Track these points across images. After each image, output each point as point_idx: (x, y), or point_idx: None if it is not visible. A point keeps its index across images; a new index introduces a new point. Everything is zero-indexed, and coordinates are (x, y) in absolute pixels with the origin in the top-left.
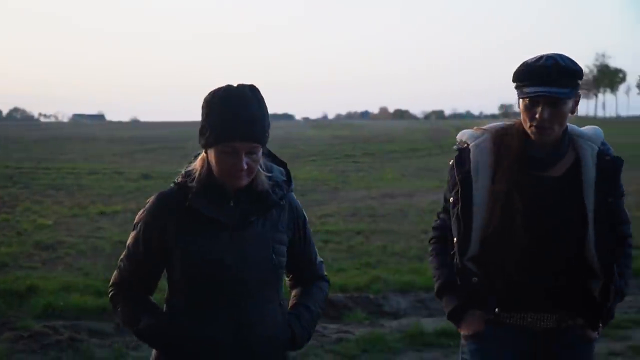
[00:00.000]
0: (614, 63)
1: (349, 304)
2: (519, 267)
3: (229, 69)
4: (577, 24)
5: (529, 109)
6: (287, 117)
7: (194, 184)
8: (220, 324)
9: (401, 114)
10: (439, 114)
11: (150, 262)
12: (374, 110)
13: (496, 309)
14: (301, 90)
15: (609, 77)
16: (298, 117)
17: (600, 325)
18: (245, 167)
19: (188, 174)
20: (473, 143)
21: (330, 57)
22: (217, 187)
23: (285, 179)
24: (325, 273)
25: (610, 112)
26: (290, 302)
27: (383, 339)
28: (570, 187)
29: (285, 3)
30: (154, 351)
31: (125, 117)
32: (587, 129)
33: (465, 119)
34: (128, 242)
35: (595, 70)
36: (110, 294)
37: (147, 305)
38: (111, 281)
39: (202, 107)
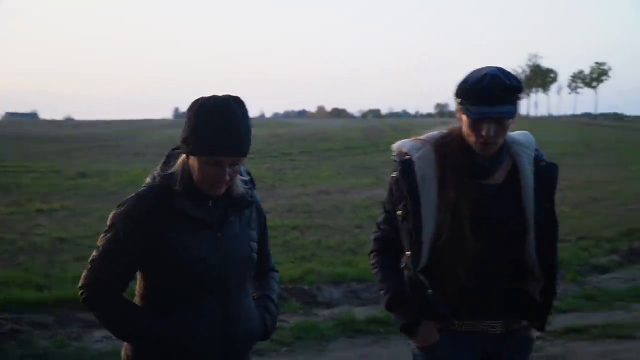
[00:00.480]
0: (545, 63)
1: (284, 295)
2: (469, 274)
3: (161, 68)
4: (509, 25)
5: (474, 126)
6: None
7: (177, 186)
8: (210, 319)
9: (338, 113)
10: (375, 113)
11: (127, 263)
12: (312, 109)
13: (448, 318)
14: (238, 89)
15: (541, 77)
16: (268, 115)
17: (542, 324)
18: (228, 178)
19: (168, 177)
20: (416, 155)
21: (266, 55)
22: (198, 189)
23: (249, 177)
24: (275, 265)
25: (542, 111)
26: (254, 294)
27: (316, 327)
28: (511, 193)
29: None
30: (126, 347)
31: (58, 116)
32: (518, 134)
33: (401, 117)
34: (102, 243)
35: (527, 71)
36: (83, 295)
37: (128, 306)
38: (81, 282)
39: (188, 116)
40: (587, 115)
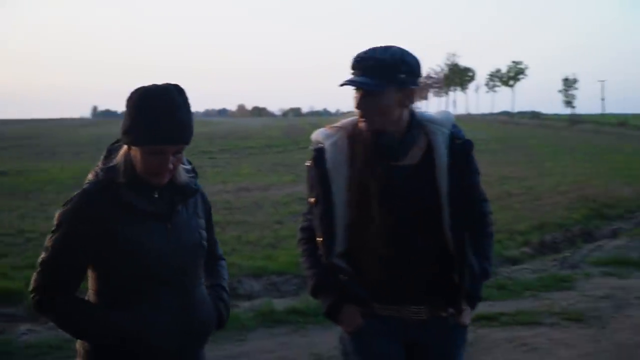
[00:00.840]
0: (463, 62)
1: None
2: (385, 259)
3: (80, 68)
4: (428, 24)
5: (355, 98)
6: None
7: (121, 178)
8: (167, 311)
9: (259, 112)
10: (296, 112)
11: (77, 261)
12: (232, 107)
13: (370, 303)
14: None
15: (459, 76)
16: None
17: (468, 308)
18: (171, 167)
19: (111, 169)
20: (328, 142)
21: (186, 54)
22: (142, 180)
23: (190, 167)
24: (222, 252)
25: (460, 110)
26: (205, 283)
27: (237, 318)
28: (425, 172)
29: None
30: (81, 346)
31: None
32: (437, 113)
33: (322, 116)
34: (50, 243)
35: (446, 69)
36: (35, 299)
37: (82, 305)
38: (32, 285)
39: (128, 106)
40: (505, 113)
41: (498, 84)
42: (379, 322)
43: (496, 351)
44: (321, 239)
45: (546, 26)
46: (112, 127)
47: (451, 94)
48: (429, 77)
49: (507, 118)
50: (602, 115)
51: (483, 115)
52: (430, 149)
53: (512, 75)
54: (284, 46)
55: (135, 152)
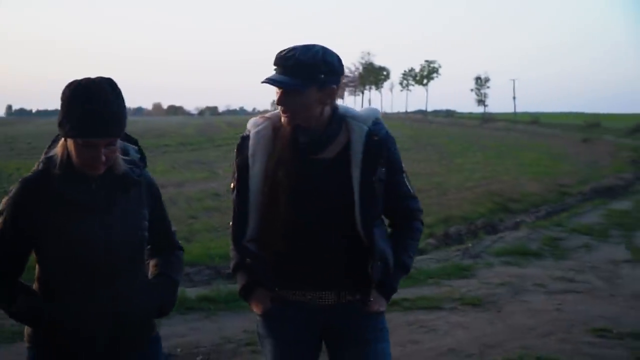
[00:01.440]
0: (378, 61)
1: None
2: (293, 247)
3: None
4: (343, 23)
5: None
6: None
7: (57, 169)
8: (97, 300)
9: (175, 110)
10: (212, 110)
11: (18, 247)
12: (148, 106)
13: (276, 288)
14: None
15: (373, 75)
16: None
17: (383, 298)
18: (104, 159)
19: (50, 160)
20: (254, 130)
21: (99, 52)
22: (79, 171)
23: (139, 156)
24: (179, 243)
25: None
26: (151, 271)
27: None
28: (340, 167)
29: None
30: (27, 329)
31: None
32: (363, 110)
33: (238, 115)
34: None
35: (361, 68)
36: None
37: (19, 289)
38: None
39: (62, 99)
40: (420, 112)
41: (412, 83)
42: (285, 307)
43: (397, 333)
44: (232, 223)
45: (460, 25)
46: (27, 126)
47: (366, 92)
48: (344, 76)
49: (421, 117)
50: (515, 114)
51: (398, 114)
52: (348, 145)
53: (425, 75)
54: (199, 44)
55: (70, 144)
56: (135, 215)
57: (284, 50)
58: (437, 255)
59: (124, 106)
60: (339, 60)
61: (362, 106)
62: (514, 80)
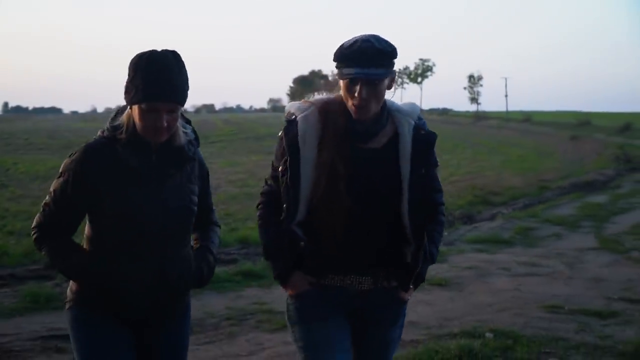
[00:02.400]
0: None
1: None
2: (344, 231)
3: None
4: (340, 22)
5: (349, 89)
6: (55, 110)
7: (122, 136)
8: (144, 263)
9: None
10: (209, 108)
11: (75, 207)
12: None
13: (321, 272)
14: (69, 84)
15: None
16: (66, 110)
17: (412, 287)
18: (165, 124)
19: (116, 128)
20: (301, 115)
21: (98, 51)
22: (142, 141)
23: (194, 136)
24: (217, 220)
25: None
26: (193, 244)
27: None
28: (389, 157)
29: None
30: (71, 286)
31: None
32: (405, 104)
33: (235, 112)
34: (53, 187)
35: None
36: (35, 235)
37: (71, 245)
38: (34, 223)
39: (129, 68)
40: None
41: (406, 81)
42: (322, 289)
43: None
44: (285, 206)
45: (456, 25)
46: (24, 123)
47: None
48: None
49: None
50: (507, 112)
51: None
52: (395, 136)
53: (419, 73)
54: (195, 42)
55: (135, 110)
56: (186, 189)
57: (351, 45)
58: None
59: (187, 77)
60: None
61: None
62: (505, 79)
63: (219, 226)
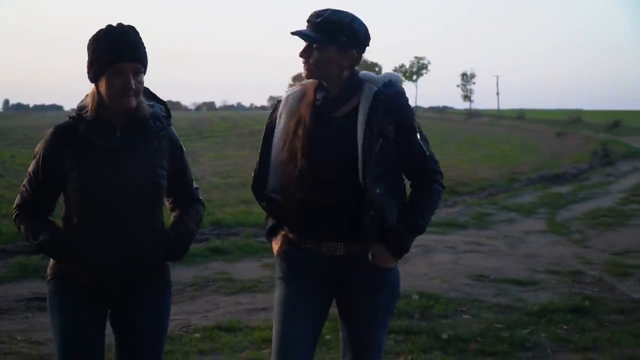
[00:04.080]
0: (370, 57)
1: None
2: (308, 198)
3: None
4: None
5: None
6: (56, 108)
7: (87, 115)
8: (113, 237)
9: (172, 106)
10: (210, 106)
11: (48, 186)
12: None
13: (293, 234)
14: (70, 82)
15: (366, 70)
16: (67, 108)
17: (391, 255)
18: (133, 87)
19: (81, 108)
20: (286, 94)
21: None
22: (106, 120)
23: (165, 114)
24: (201, 197)
25: None
26: (171, 221)
27: None
28: (348, 125)
29: None
30: (50, 262)
31: None
32: (382, 75)
33: (235, 110)
34: (29, 169)
35: None
36: (14, 214)
37: (45, 223)
38: (15, 204)
39: (89, 45)
40: (417, 108)
41: (402, 79)
42: (300, 253)
43: None
44: (254, 173)
45: (454, 24)
46: (24, 120)
47: None
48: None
49: (418, 112)
50: (499, 110)
51: None
52: (358, 105)
53: (414, 71)
54: (197, 40)
55: (101, 83)
56: (153, 163)
57: (319, 9)
58: None
59: (144, 45)
60: (366, 31)
61: None
62: (497, 77)
63: (202, 204)
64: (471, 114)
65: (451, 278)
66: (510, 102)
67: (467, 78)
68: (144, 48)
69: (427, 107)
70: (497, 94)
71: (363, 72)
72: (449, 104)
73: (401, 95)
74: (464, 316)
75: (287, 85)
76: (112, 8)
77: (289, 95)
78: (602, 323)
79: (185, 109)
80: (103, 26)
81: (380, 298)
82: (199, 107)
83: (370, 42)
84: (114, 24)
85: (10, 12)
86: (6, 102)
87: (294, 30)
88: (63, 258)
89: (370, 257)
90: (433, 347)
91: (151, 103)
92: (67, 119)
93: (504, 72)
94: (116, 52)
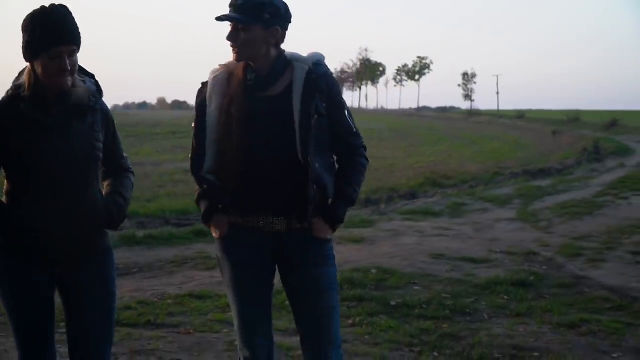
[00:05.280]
0: (375, 57)
1: None
2: (246, 176)
3: None
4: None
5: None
6: None
7: (25, 93)
8: (52, 207)
9: (179, 105)
10: None
11: None
12: (153, 101)
13: (232, 212)
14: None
15: (370, 71)
16: None
17: (328, 226)
18: (69, 68)
19: (18, 87)
20: (212, 76)
21: (105, 47)
22: (43, 96)
23: (96, 88)
24: (130, 167)
25: (372, 104)
26: (105, 190)
27: None
28: (284, 103)
29: None
30: None
31: None
32: (308, 54)
33: None
34: None
35: (358, 64)
36: None
37: None
38: None
39: (24, 27)
40: (425, 108)
41: (405, 78)
42: (242, 232)
43: None
44: (191, 156)
45: (459, 25)
46: None
47: (363, 88)
48: (342, 71)
49: (414, 112)
50: (498, 110)
51: (403, 110)
52: (291, 83)
53: (417, 70)
54: (204, 39)
55: (37, 65)
56: (90, 135)
57: None
58: (352, 212)
59: (77, 24)
60: (286, 7)
61: (359, 102)
62: (497, 76)
63: (132, 173)
64: (471, 113)
65: (411, 257)
66: (512, 102)
67: (468, 78)
68: (77, 27)
69: (434, 108)
70: (497, 93)
71: (289, 52)
72: (451, 104)
73: (330, 74)
74: (415, 288)
75: (211, 69)
76: (117, 3)
77: (216, 76)
78: (542, 295)
79: (192, 108)
80: (37, 7)
81: (324, 269)
82: None
83: (374, 45)
84: (46, 6)
85: (21, 9)
86: None
87: (218, 16)
88: (7, 227)
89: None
90: (380, 312)
91: (83, 78)
92: (3, 97)
93: (505, 72)
94: (53, 36)
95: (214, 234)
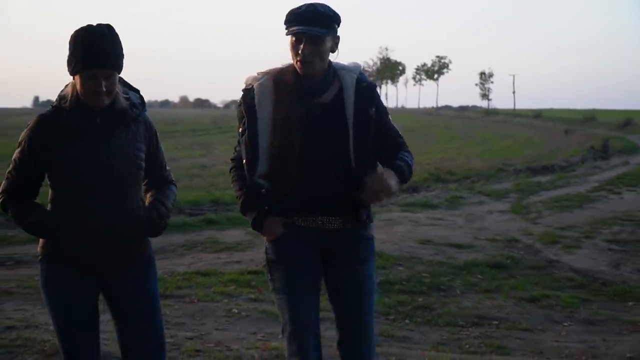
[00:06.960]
0: (394, 56)
1: None
2: (303, 178)
3: (21, 59)
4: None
5: (294, 46)
6: None
7: (67, 105)
8: (96, 215)
9: (201, 103)
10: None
11: (32, 171)
12: (175, 99)
13: (290, 215)
14: None
15: (390, 70)
16: None
17: (397, 180)
18: (104, 90)
19: (62, 98)
20: (257, 83)
21: (128, 46)
22: (86, 107)
23: (140, 101)
24: (173, 179)
25: (392, 103)
26: (148, 200)
27: None
28: (337, 108)
29: None
30: (40, 242)
31: None
32: (348, 63)
33: None
34: (14, 156)
35: (378, 63)
36: (1, 199)
37: (32, 205)
38: (1, 189)
39: (69, 43)
40: (447, 107)
41: (424, 77)
42: (296, 231)
43: None
44: (245, 161)
45: (476, 25)
46: None
47: (383, 87)
48: (363, 70)
49: (433, 110)
50: (514, 110)
51: (424, 108)
52: (341, 90)
53: (436, 69)
54: (226, 38)
55: (77, 80)
56: (132, 146)
57: (298, 8)
58: None
59: (120, 46)
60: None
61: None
62: (513, 76)
63: (175, 184)
64: (488, 112)
65: (400, 242)
66: (531, 101)
67: (485, 77)
68: (119, 51)
69: (456, 107)
70: (514, 92)
71: (334, 62)
72: (473, 103)
73: (374, 83)
74: (399, 268)
75: (250, 76)
76: (140, 2)
77: (261, 83)
78: (513, 275)
79: (214, 106)
80: (84, 24)
81: (368, 265)
82: (227, 105)
83: (395, 44)
84: (93, 25)
85: (37, 10)
86: (36, 98)
87: (293, 30)
88: (51, 237)
89: (365, 191)
90: None
91: (127, 95)
92: (49, 108)
93: (524, 71)
94: (89, 58)
95: (268, 237)
